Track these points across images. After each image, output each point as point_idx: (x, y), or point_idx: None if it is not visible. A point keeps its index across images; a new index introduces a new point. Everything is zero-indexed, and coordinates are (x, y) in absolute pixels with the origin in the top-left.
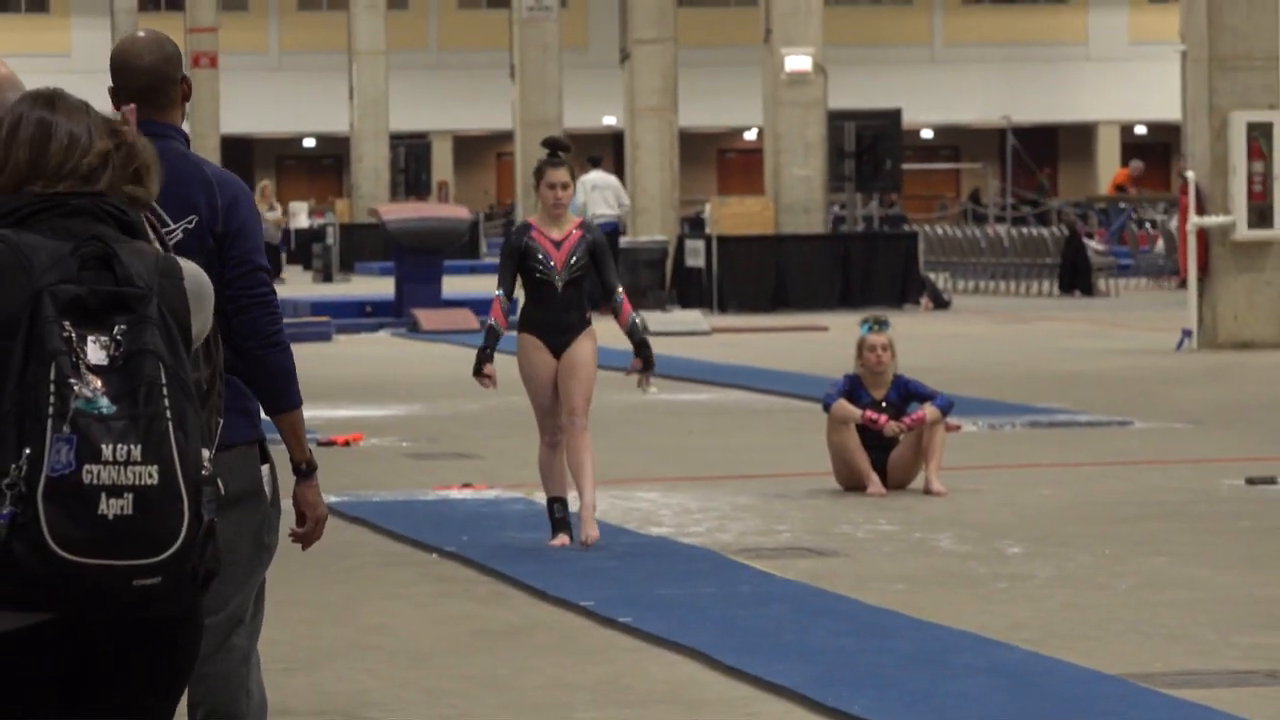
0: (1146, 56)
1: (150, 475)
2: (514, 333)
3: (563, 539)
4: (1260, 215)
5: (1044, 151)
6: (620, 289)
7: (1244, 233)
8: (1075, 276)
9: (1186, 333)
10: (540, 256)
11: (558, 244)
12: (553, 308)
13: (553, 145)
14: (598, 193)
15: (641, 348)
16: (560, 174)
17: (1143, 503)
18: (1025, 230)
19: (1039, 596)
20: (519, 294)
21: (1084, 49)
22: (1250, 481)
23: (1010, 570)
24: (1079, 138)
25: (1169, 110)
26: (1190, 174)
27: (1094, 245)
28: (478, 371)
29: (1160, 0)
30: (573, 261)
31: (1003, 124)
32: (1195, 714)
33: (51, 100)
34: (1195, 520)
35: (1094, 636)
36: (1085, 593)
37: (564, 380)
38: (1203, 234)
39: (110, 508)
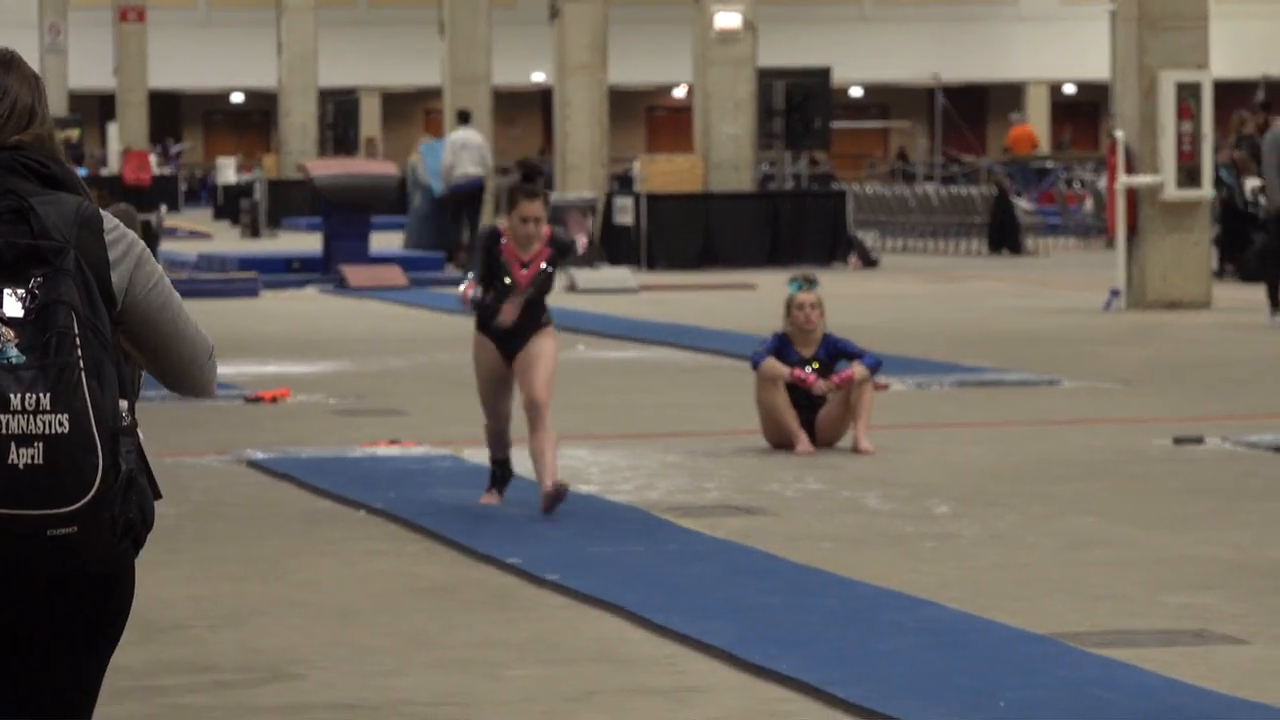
0: (1077, 16)
1: (60, 424)
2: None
3: (493, 497)
4: (1189, 175)
5: (974, 111)
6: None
7: (1172, 193)
8: (1004, 236)
9: (1115, 292)
10: (504, 277)
11: (525, 264)
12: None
13: (528, 172)
14: (465, 152)
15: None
16: (535, 207)
17: (1071, 462)
18: (954, 189)
19: (966, 555)
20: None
21: (1014, 8)
22: (1178, 441)
23: (938, 529)
24: (1008, 96)
25: (1099, 70)
26: (1119, 134)
27: (1022, 204)
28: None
29: None
30: (537, 281)
31: (932, 83)
32: (1123, 673)
33: None
34: (1123, 480)
35: (1022, 596)
36: (1013, 552)
37: (523, 372)
38: (1131, 194)
39: (20, 457)
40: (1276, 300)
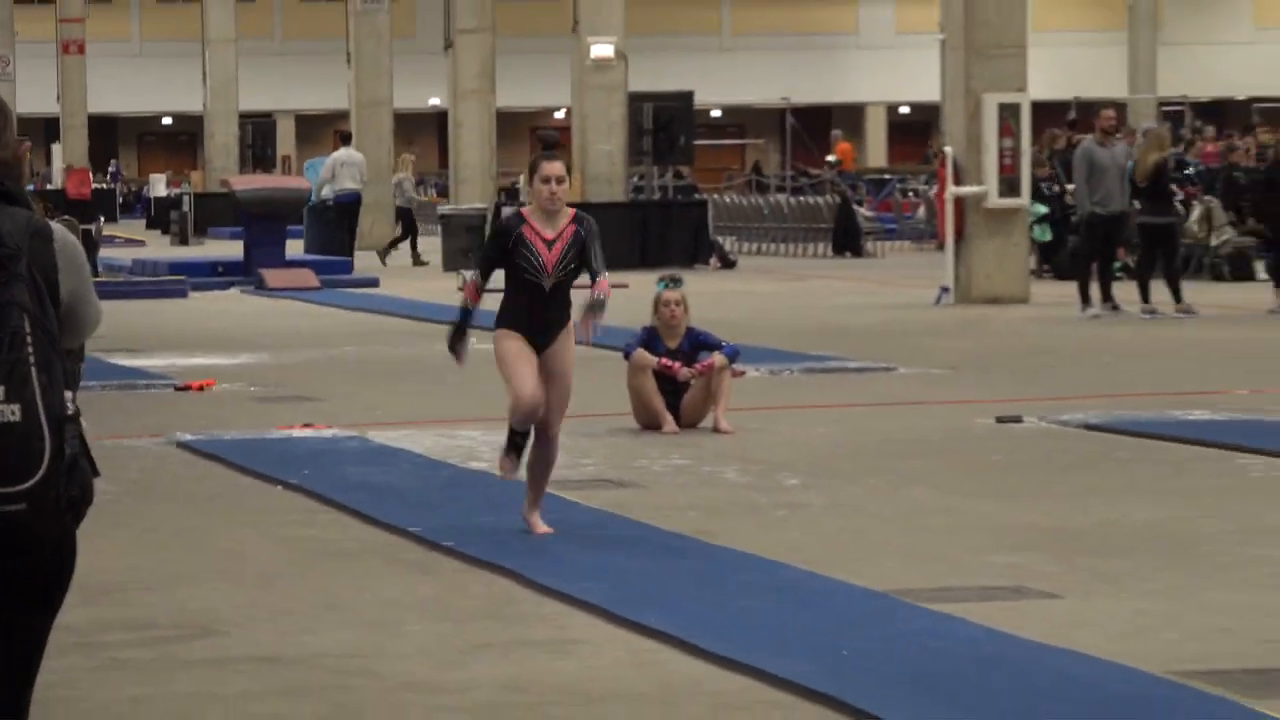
0: (910, 45)
1: (13, 413)
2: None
3: (511, 462)
4: (1009, 186)
5: (819, 129)
6: (604, 274)
7: (995, 201)
8: (846, 240)
9: (944, 289)
10: (529, 255)
11: (549, 243)
12: (536, 308)
13: (547, 142)
14: (345, 169)
15: (592, 310)
16: (555, 166)
17: (906, 440)
18: (802, 199)
19: (814, 523)
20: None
21: (855, 38)
22: (1000, 420)
23: (789, 499)
24: (850, 117)
25: (930, 93)
26: (948, 149)
27: (863, 212)
28: (452, 348)
29: None
30: (563, 262)
31: (782, 105)
32: (951, 625)
33: None
34: (952, 455)
35: (862, 558)
36: (855, 519)
37: (547, 392)
38: (959, 202)
39: None
40: (1086, 296)
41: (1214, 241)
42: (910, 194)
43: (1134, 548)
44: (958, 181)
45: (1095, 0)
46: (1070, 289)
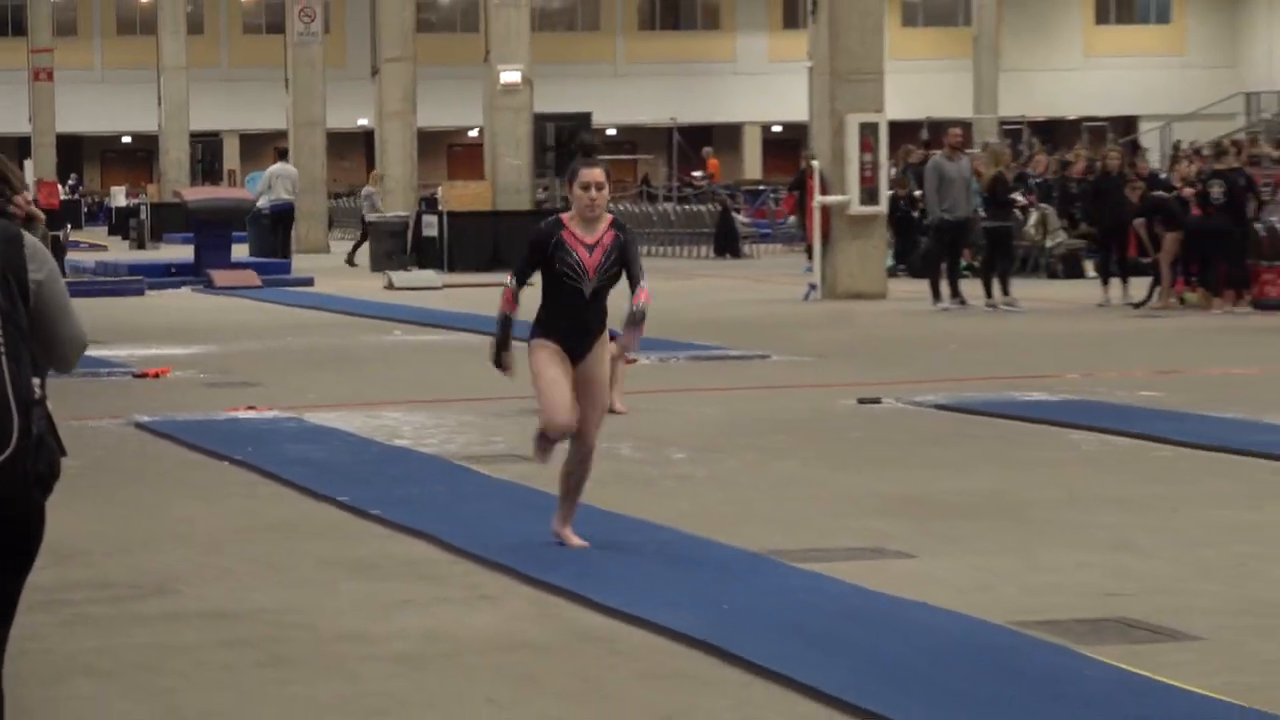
0: (781, 71)
1: None
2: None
3: (542, 449)
4: (869, 195)
5: (702, 146)
6: (644, 282)
7: (857, 209)
8: (726, 243)
9: (812, 286)
10: (571, 260)
11: (590, 247)
12: (575, 314)
13: (585, 149)
14: (280, 180)
15: (632, 326)
16: (595, 173)
17: (779, 419)
18: (687, 207)
19: (698, 492)
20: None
21: (732, 65)
22: (861, 401)
23: (676, 471)
24: (729, 135)
25: (799, 113)
26: (816, 163)
27: (741, 218)
28: (497, 362)
29: (792, 27)
30: (604, 266)
31: (669, 124)
32: (819, 582)
33: None
34: (819, 432)
35: (741, 523)
36: (734, 489)
37: (581, 401)
38: (826, 210)
39: None
40: (937, 292)
41: (1049, 244)
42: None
43: (979, 513)
44: (824, 191)
45: (944, 32)
46: (922, 286)
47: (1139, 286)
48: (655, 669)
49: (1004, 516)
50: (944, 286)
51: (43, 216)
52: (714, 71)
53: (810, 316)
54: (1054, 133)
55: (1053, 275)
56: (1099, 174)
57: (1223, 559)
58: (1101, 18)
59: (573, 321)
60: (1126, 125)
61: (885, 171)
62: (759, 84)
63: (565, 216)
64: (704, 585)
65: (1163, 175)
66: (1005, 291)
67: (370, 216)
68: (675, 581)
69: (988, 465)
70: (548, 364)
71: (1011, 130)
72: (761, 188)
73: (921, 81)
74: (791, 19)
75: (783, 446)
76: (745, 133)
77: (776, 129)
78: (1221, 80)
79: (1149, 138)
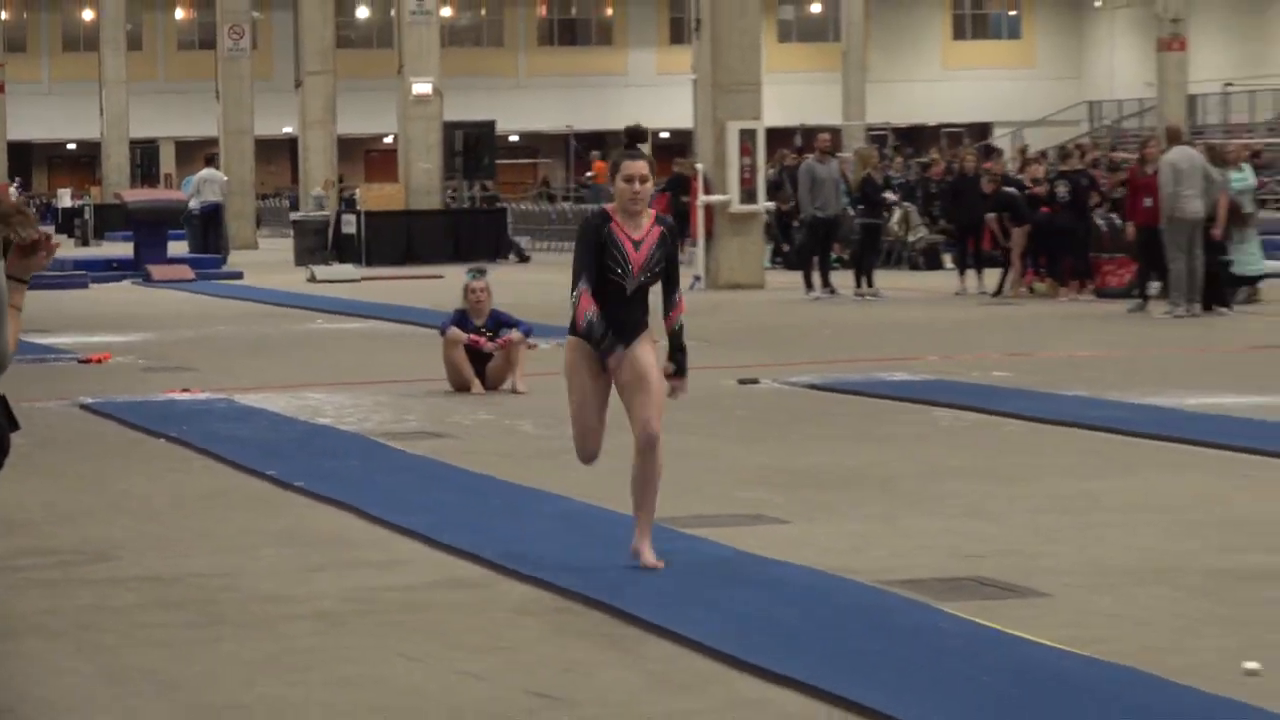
0: (669, 83)
1: None
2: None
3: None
4: (748, 195)
5: (597, 150)
6: (680, 290)
7: (737, 207)
8: None
9: (697, 278)
10: (618, 255)
11: (637, 244)
12: (615, 311)
13: (633, 135)
14: (208, 184)
15: (678, 353)
16: (639, 165)
17: (667, 399)
18: (582, 206)
19: (594, 465)
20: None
21: (624, 78)
22: (741, 382)
23: (574, 447)
24: (619, 141)
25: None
26: (700, 166)
27: None
28: (610, 349)
29: (679, 43)
30: (651, 263)
31: (567, 131)
32: (703, 545)
33: None
34: (704, 410)
35: (629, 491)
36: (627, 462)
37: (630, 394)
38: (709, 208)
39: None
40: (810, 283)
41: (911, 238)
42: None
43: (848, 483)
44: (707, 192)
45: (816, 47)
46: (797, 278)
47: (993, 277)
48: (556, 626)
49: (871, 486)
50: (816, 277)
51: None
52: (607, 83)
53: (695, 305)
54: (916, 138)
55: (914, 267)
56: (956, 175)
57: (1067, 524)
58: (959, 33)
59: (612, 319)
60: (981, 131)
61: (763, 174)
62: (648, 94)
63: (610, 208)
64: (597, 549)
65: (1014, 176)
66: (869, 283)
67: (294, 216)
68: (574, 547)
69: (856, 440)
70: (576, 384)
71: (877, 136)
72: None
73: (796, 92)
74: (678, 35)
75: (671, 423)
76: None
77: (664, 135)
78: (1067, 90)
79: (1002, 142)
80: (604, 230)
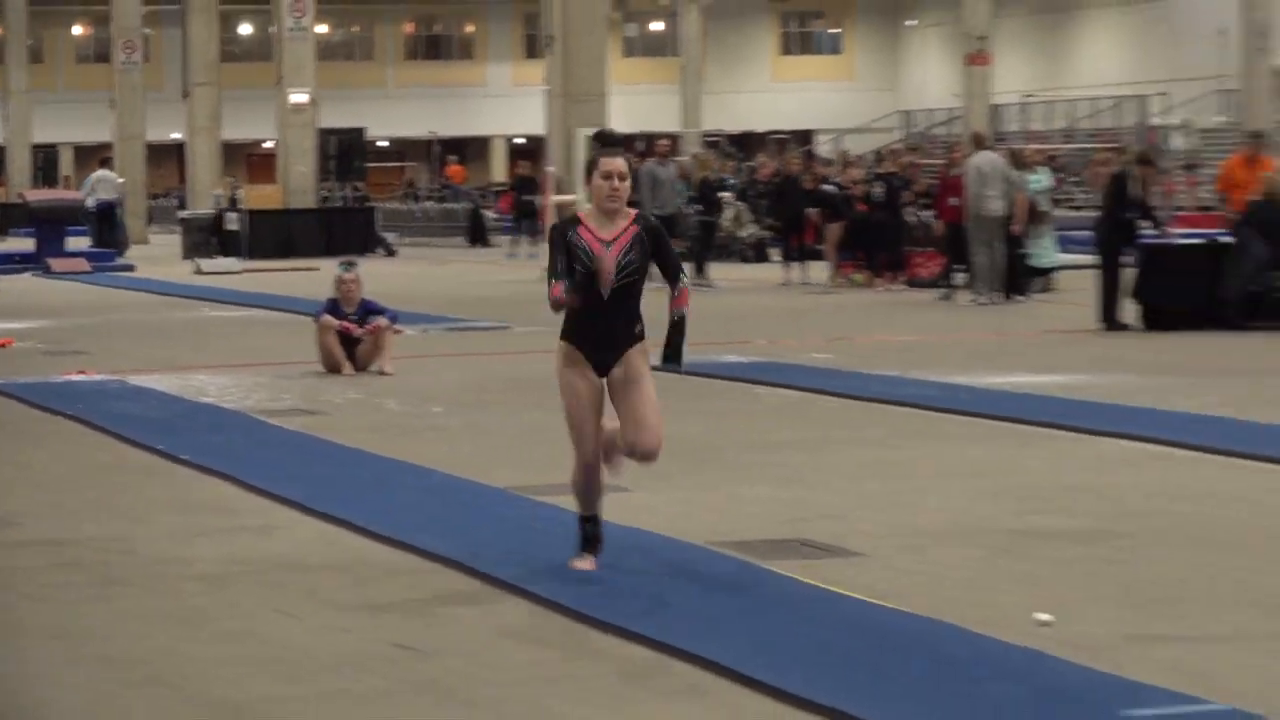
0: (524, 94)
1: None
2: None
3: (587, 562)
4: None
5: (460, 155)
6: (685, 277)
7: (584, 206)
8: (476, 234)
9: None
10: (583, 258)
11: (607, 244)
12: (595, 319)
13: (605, 139)
14: (101, 184)
15: (675, 335)
16: (617, 162)
17: (519, 379)
18: (444, 205)
19: (454, 440)
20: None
21: (483, 89)
22: None
23: (435, 423)
24: (480, 146)
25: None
26: (551, 169)
27: (489, 214)
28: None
29: (533, 57)
30: (623, 264)
31: (430, 137)
32: (552, 512)
33: None
34: (553, 389)
35: (490, 464)
36: (485, 437)
37: (625, 406)
38: (561, 207)
39: None
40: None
41: (742, 234)
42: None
43: (685, 454)
44: (558, 192)
45: (657, 61)
46: None
47: (816, 269)
48: (422, 586)
49: (705, 457)
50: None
51: None
52: (468, 94)
53: (545, 294)
54: (746, 143)
55: (745, 260)
56: (782, 177)
57: (879, 491)
58: (786, 49)
59: (595, 328)
60: (805, 137)
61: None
62: (505, 104)
63: (583, 214)
64: (458, 516)
65: (834, 178)
66: (704, 274)
67: (182, 214)
68: (437, 514)
69: (692, 415)
70: (568, 390)
71: (711, 141)
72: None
73: (638, 101)
74: (532, 50)
75: (524, 401)
76: (493, 144)
77: (519, 140)
78: (883, 100)
79: (824, 148)
80: (569, 234)
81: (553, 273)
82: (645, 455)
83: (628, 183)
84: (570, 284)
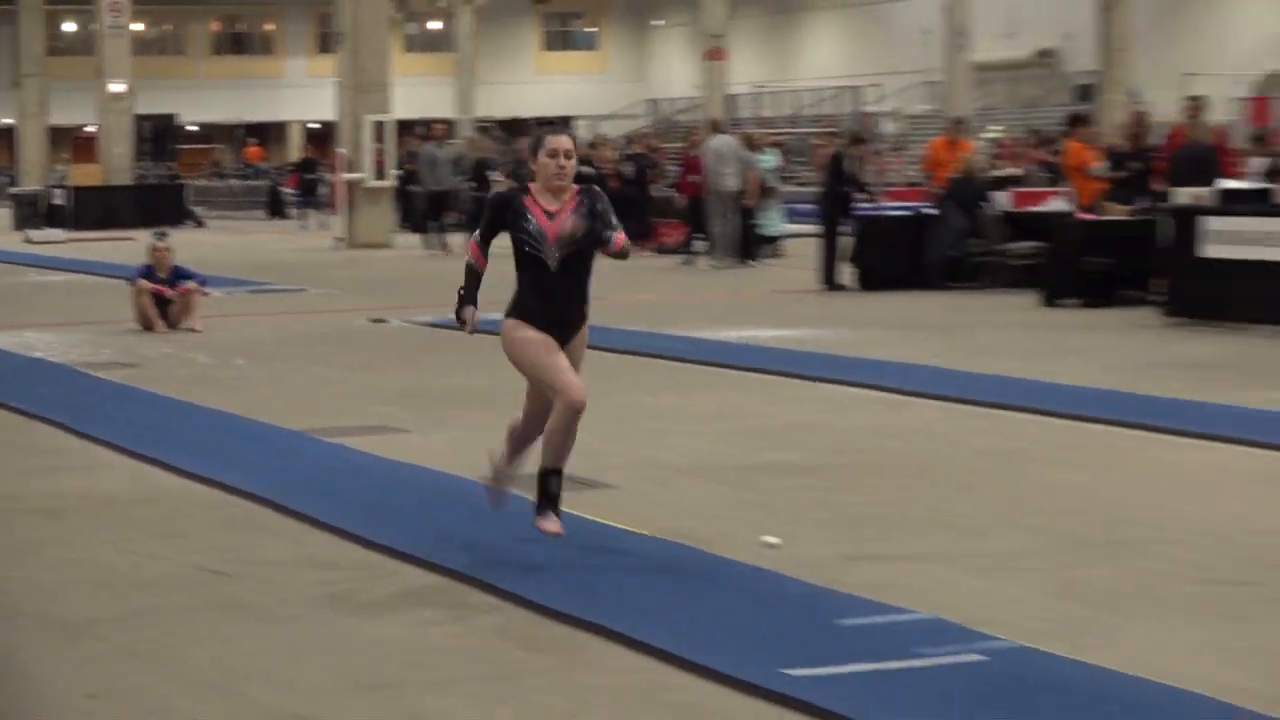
0: (318, 84)
1: None
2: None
3: (553, 523)
4: (379, 173)
5: (262, 139)
6: (619, 229)
7: (371, 183)
8: (275, 208)
9: (338, 239)
10: (530, 226)
11: (551, 214)
12: (545, 293)
13: (547, 125)
14: None
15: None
16: (563, 140)
17: (314, 335)
18: (247, 182)
19: (256, 389)
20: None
21: (283, 80)
22: (373, 320)
23: (239, 374)
24: (279, 130)
25: (331, 114)
26: (342, 150)
27: (287, 190)
28: (458, 315)
29: (326, 52)
30: (570, 233)
31: (236, 122)
32: (344, 453)
33: None
34: (343, 344)
35: (288, 409)
36: (282, 386)
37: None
38: (351, 184)
39: None
40: (428, 243)
41: None
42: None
43: (459, 401)
44: (348, 170)
45: (436, 56)
46: (418, 239)
47: None
48: (227, 518)
49: (477, 404)
50: (433, 239)
51: None
52: (268, 84)
53: (336, 261)
54: (514, 128)
55: None
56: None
57: (631, 431)
58: (548, 46)
59: (545, 303)
60: (565, 123)
61: (392, 156)
62: (301, 93)
63: (532, 185)
64: (261, 455)
65: (587, 155)
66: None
67: (13, 190)
68: (241, 453)
69: (465, 367)
70: (540, 347)
71: (483, 127)
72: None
73: (419, 92)
74: (325, 46)
75: (317, 354)
76: (291, 128)
77: (314, 125)
78: (633, 90)
79: (582, 132)
80: (516, 200)
81: (479, 230)
82: (580, 407)
83: (573, 161)
84: (483, 246)
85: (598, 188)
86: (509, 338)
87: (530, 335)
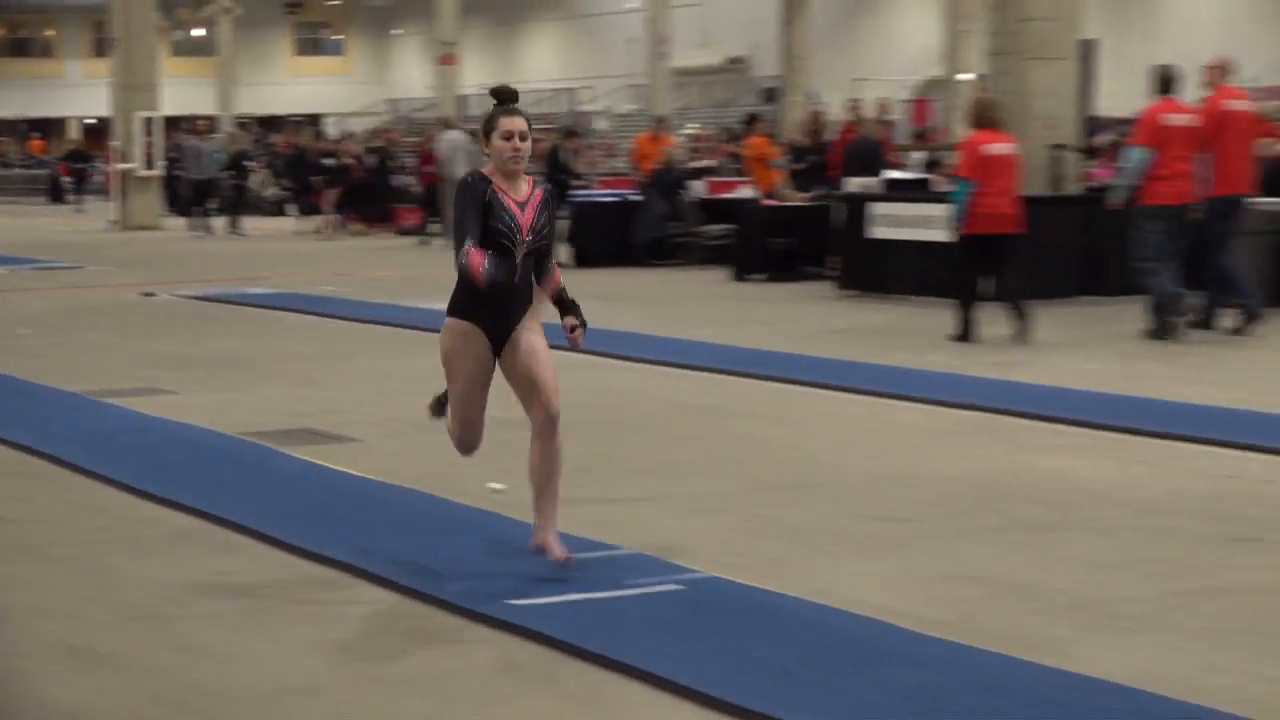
0: (94, 84)
1: None
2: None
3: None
4: (148, 163)
5: (46, 133)
6: (555, 257)
7: (141, 172)
8: (55, 194)
9: (112, 221)
10: (505, 218)
11: (522, 205)
12: (505, 284)
13: (501, 95)
14: None
15: (574, 308)
16: (518, 121)
17: (89, 307)
18: (29, 171)
19: (42, 355)
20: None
21: (62, 80)
22: (144, 294)
23: (24, 343)
24: (60, 125)
25: (104, 110)
26: (116, 143)
27: (65, 179)
28: (476, 269)
29: (101, 56)
30: (538, 226)
31: (20, 118)
32: (114, 410)
33: None
34: (118, 315)
35: (68, 374)
36: (64, 350)
37: (527, 371)
38: (124, 172)
39: None
40: (194, 224)
41: (266, 193)
42: (97, 169)
43: (221, 365)
44: (122, 161)
45: (200, 59)
46: (182, 222)
47: (320, 222)
48: (8, 469)
49: (238, 367)
50: (199, 223)
51: None
52: (49, 84)
53: (110, 241)
54: (269, 124)
55: (267, 214)
56: (296, 150)
57: (373, 391)
58: (300, 51)
59: (497, 298)
60: (315, 119)
61: (160, 149)
62: (80, 92)
63: (487, 172)
64: (41, 415)
65: (331, 153)
66: (236, 225)
67: None
68: (22, 412)
69: (228, 335)
70: (459, 371)
71: (242, 122)
72: (83, 162)
73: (184, 91)
74: (100, 50)
75: (95, 324)
76: (70, 123)
77: (90, 121)
78: (375, 91)
79: (330, 128)
80: (486, 192)
81: (463, 233)
82: (550, 420)
83: (528, 143)
84: (491, 260)
85: (554, 189)
86: (448, 350)
87: (469, 362)
